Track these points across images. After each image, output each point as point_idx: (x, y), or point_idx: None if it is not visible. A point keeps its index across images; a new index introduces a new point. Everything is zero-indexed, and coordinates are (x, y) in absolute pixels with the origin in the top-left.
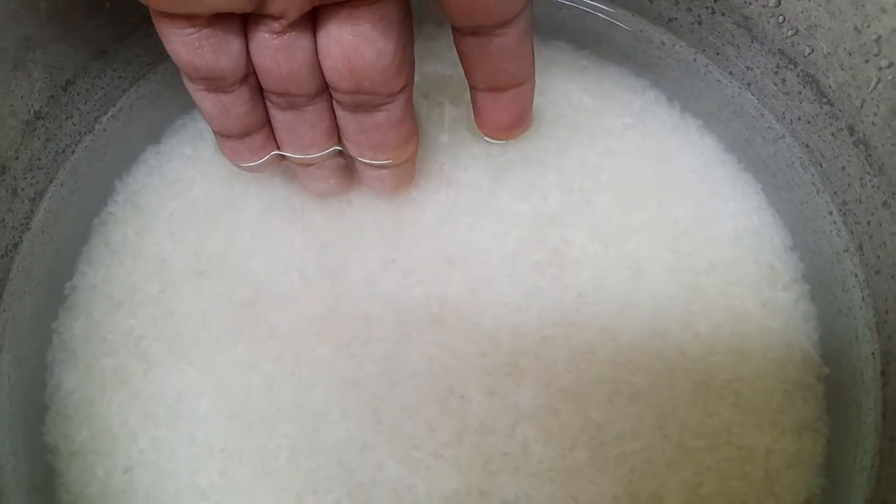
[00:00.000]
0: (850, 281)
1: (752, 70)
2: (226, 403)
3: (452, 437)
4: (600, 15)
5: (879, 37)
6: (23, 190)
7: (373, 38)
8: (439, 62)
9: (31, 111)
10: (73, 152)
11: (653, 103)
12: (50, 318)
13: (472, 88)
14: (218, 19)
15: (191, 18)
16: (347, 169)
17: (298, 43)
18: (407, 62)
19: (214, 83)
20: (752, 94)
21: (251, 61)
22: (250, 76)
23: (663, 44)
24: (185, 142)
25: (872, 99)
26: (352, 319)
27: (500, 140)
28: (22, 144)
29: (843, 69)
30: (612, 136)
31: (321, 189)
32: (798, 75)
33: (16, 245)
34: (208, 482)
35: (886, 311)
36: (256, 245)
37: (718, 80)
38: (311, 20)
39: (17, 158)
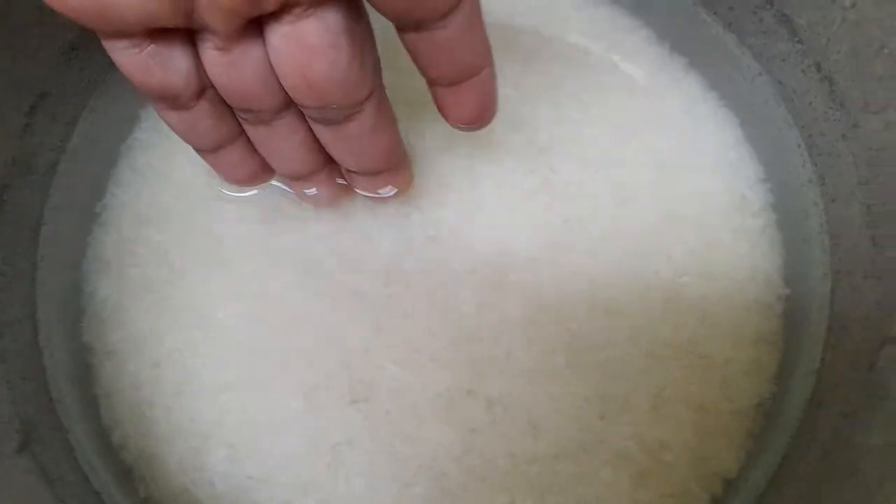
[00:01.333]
0: (811, 209)
1: (733, 10)
2: (245, 310)
3: (444, 343)
4: None
5: None
6: (59, 115)
7: (322, 51)
8: None
9: (67, 42)
10: (103, 81)
11: (643, 42)
12: (85, 233)
13: (429, 84)
14: (159, 35)
15: (129, 36)
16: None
17: (247, 59)
18: (367, 69)
19: (172, 102)
20: (734, 33)
21: (206, 76)
22: (208, 90)
23: None
24: None
25: (837, 37)
26: (356, 237)
27: (469, 131)
28: (59, 73)
29: (813, 8)
30: (603, 72)
31: (318, 200)
32: (774, 15)
33: (54, 165)
34: (233, 376)
35: (839, 235)
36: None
37: (704, 20)
38: (259, 33)
39: (54, 85)
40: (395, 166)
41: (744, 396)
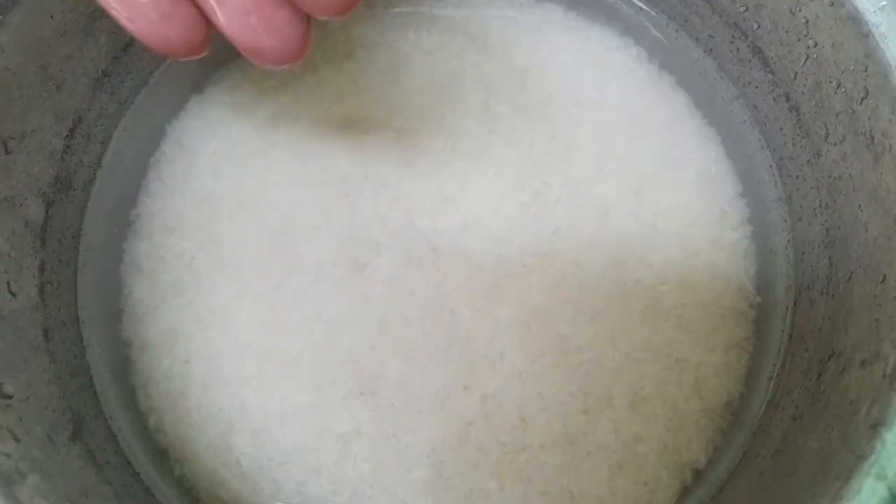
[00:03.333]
0: (780, 225)
1: (713, 38)
2: (261, 311)
3: (443, 343)
4: None
5: (807, 20)
6: (94, 136)
7: None
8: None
9: (99, 70)
10: (132, 102)
11: (634, 60)
12: (120, 240)
13: None
14: None
15: None
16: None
17: None
18: None
19: None
20: (713, 59)
21: None
22: None
23: (642, 9)
24: (224, 90)
25: (803, 72)
26: (364, 245)
27: (330, 19)
28: (93, 98)
29: (781, 44)
30: (594, 89)
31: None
32: (748, 46)
33: (91, 181)
34: (249, 373)
35: (803, 252)
36: (285, 180)
37: (686, 45)
38: None
39: (89, 110)
40: None
41: (714, 396)
